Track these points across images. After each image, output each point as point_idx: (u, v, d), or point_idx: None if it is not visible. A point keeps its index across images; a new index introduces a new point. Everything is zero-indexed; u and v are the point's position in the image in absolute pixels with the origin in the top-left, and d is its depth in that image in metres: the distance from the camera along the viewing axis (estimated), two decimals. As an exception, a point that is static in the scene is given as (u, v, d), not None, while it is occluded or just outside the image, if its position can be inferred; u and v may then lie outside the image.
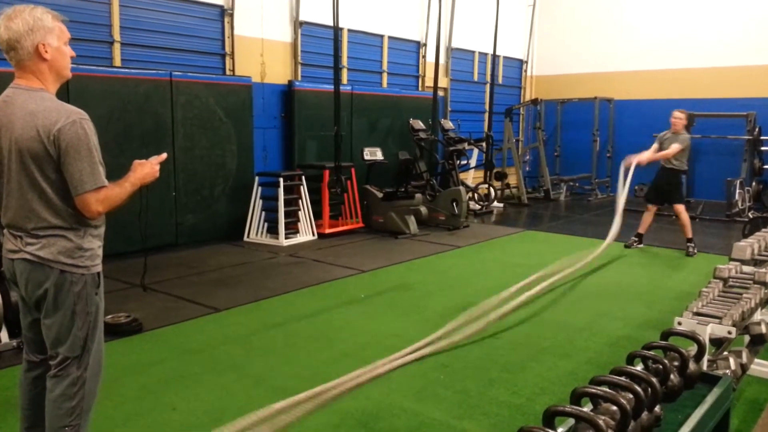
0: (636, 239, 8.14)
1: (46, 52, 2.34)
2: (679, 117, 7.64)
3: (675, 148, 7.50)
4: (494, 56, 12.63)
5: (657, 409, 2.34)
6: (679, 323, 3.31)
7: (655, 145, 7.79)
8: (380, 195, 9.25)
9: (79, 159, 2.29)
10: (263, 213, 8.34)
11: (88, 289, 2.44)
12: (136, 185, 2.49)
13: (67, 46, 2.43)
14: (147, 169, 2.53)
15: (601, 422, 1.99)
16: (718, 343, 3.43)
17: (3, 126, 2.35)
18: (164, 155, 2.65)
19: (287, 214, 8.20)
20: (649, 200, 8.04)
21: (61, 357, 2.44)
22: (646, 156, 7.67)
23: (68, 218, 2.38)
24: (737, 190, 10.77)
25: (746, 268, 4.27)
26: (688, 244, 7.72)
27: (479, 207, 11.31)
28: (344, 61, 10.26)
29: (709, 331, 3.24)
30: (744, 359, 3.49)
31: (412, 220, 9.01)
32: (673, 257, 7.64)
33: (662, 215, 9.73)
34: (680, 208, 7.77)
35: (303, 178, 8.45)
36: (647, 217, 8.03)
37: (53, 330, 2.43)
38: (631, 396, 2.21)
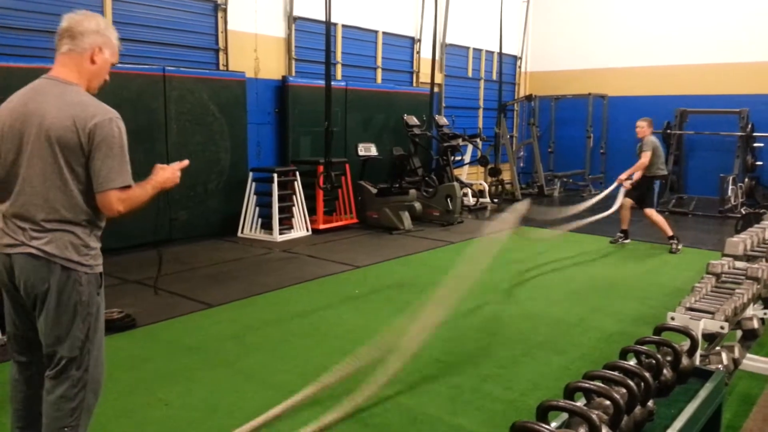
0: (621, 235, 8.17)
1: (98, 56, 2.43)
2: (640, 126, 7.88)
3: (645, 157, 7.70)
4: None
5: (650, 403, 2.34)
6: (672, 318, 3.32)
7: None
8: (375, 191, 9.24)
9: (111, 156, 2.30)
10: (257, 209, 8.32)
11: (91, 288, 2.39)
12: (156, 188, 2.48)
13: (109, 69, 2.52)
14: (168, 173, 2.53)
15: (594, 417, 1.99)
16: (710, 338, 3.45)
17: (32, 113, 2.32)
18: (186, 162, 2.65)
19: (281, 210, 8.18)
20: (627, 195, 8.07)
21: (59, 357, 2.37)
22: (624, 174, 7.97)
23: (81, 214, 2.34)
24: (730, 186, 10.81)
25: (739, 264, 4.28)
26: (671, 241, 7.75)
27: (473, 203, 11.32)
28: (338, 56, 10.23)
29: (701, 326, 3.25)
30: (736, 354, 3.51)
31: (406, 216, 9.01)
32: (665, 253, 7.66)
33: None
34: (649, 212, 7.88)
35: (297, 173, 8.43)
36: (625, 213, 8.07)
37: (53, 329, 2.36)
38: (624, 391, 2.21)
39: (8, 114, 2.37)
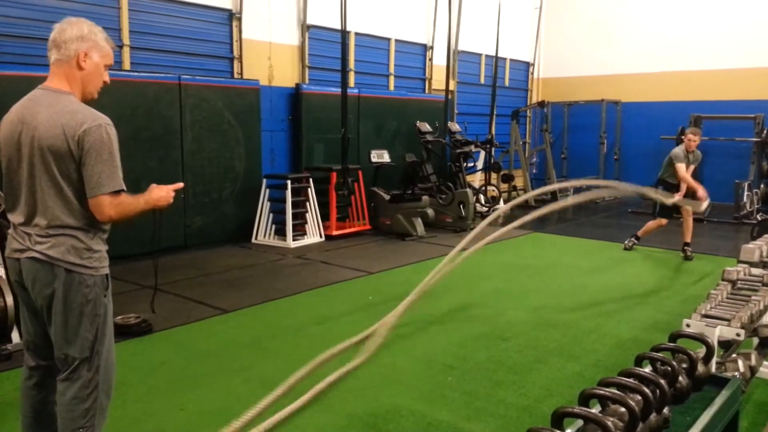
0: (634, 240, 8.13)
1: (85, 61, 2.44)
2: (693, 139, 7.65)
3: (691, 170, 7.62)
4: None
5: (665, 410, 2.34)
6: (688, 325, 3.30)
7: (680, 165, 7.55)
8: (387, 197, 9.27)
9: (101, 162, 2.34)
10: (271, 215, 8.38)
11: (96, 290, 2.45)
12: (149, 204, 2.53)
13: (106, 70, 2.52)
14: (162, 192, 2.57)
15: (609, 423, 1.99)
16: (726, 345, 3.42)
17: (26, 123, 2.39)
18: (180, 184, 2.71)
19: (295, 216, 8.23)
20: (662, 215, 7.85)
21: (70, 359, 2.44)
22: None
23: (81, 219, 2.40)
24: (745, 193, 10.72)
25: (755, 271, 4.25)
26: (686, 247, 7.69)
27: (486, 209, 11.30)
28: (351, 64, 10.29)
29: (717, 333, 3.23)
30: (753, 361, 3.48)
31: (419, 222, 9.03)
32: (679, 259, 7.61)
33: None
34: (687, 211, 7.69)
35: (310, 180, 8.49)
36: (652, 225, 7.90)
37: (61, 331, 2.42)
38: (639, 398, 2.20)
39: (7, 125, 2.46)
